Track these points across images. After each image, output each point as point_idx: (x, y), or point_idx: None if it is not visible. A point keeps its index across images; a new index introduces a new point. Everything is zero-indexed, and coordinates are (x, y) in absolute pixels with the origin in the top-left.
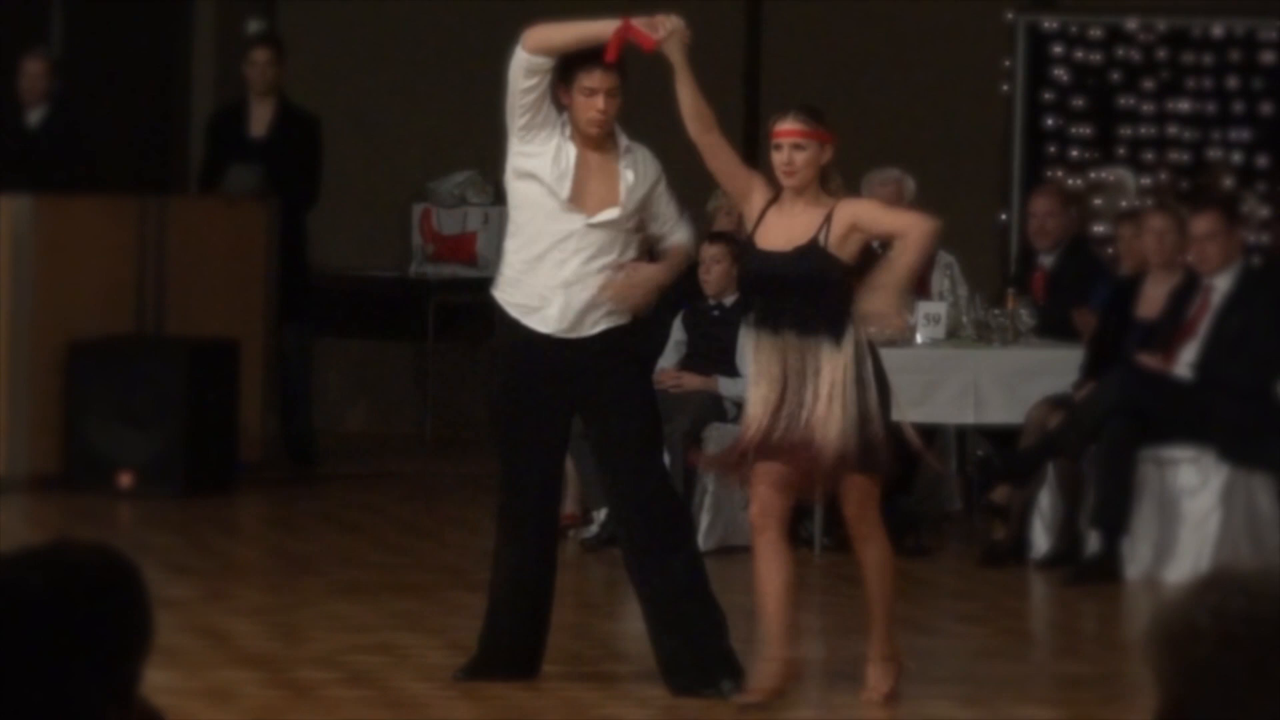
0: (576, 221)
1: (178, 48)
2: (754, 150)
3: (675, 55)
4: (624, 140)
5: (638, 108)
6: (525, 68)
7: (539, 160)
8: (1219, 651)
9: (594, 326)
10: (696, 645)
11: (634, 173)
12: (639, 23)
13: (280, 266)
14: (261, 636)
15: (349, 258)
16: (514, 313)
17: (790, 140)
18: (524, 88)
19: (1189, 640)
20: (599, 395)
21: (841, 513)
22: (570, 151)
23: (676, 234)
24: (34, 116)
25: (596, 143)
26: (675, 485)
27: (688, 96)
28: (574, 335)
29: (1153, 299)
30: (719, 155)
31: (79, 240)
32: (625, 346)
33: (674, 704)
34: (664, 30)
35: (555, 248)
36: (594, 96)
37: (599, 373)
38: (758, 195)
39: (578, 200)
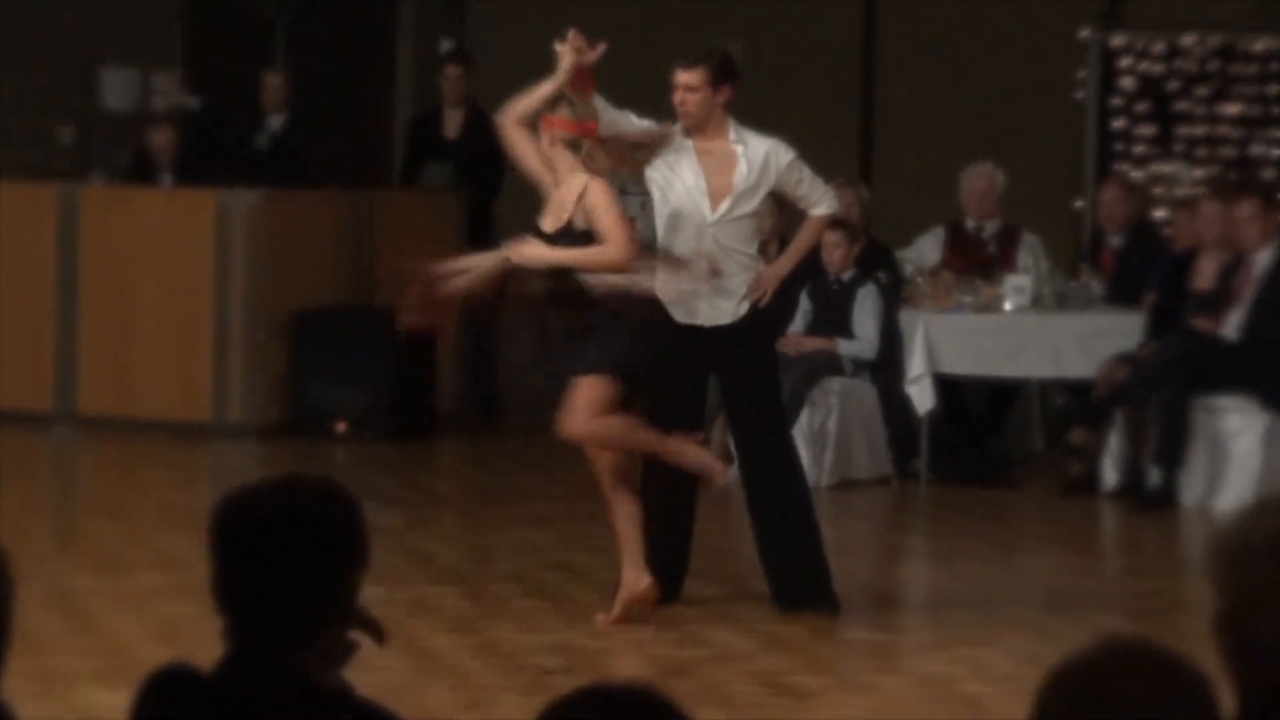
0: None
1: (383, 64)
2: (869, 146)
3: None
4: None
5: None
6: None
7: None
8: (1270, 566)
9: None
10: (799, 570)
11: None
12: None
13: (470, 248)
14: (458, 557)
15: None
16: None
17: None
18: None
19: (1244, 557)
20: (729, 358)
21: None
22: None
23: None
24: (274, 122)
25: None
26: (788, 432)
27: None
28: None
29: (1205, 272)
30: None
31: (301, 227)
32: (752, 317)
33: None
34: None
35: None
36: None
37: (732, 340)
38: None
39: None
